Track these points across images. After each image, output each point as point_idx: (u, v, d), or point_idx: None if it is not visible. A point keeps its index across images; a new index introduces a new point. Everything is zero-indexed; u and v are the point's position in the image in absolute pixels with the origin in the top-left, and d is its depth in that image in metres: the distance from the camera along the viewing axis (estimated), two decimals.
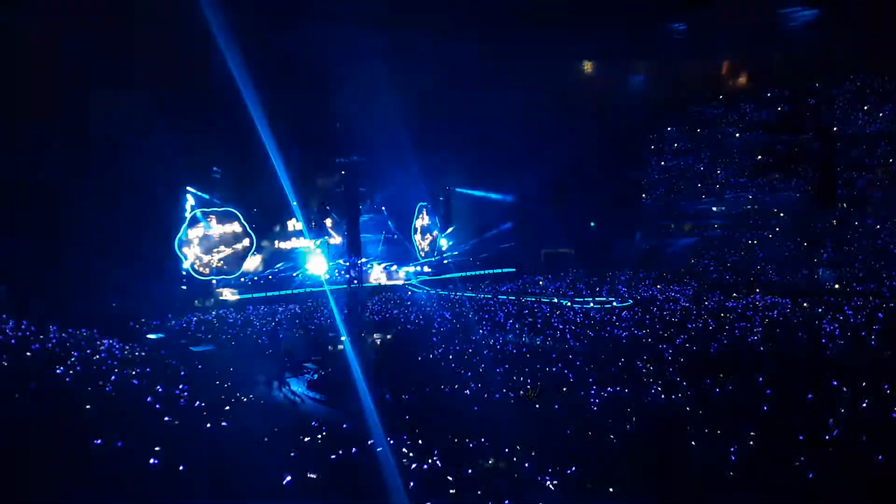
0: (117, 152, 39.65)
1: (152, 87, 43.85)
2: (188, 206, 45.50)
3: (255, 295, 45.58)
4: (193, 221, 45.70)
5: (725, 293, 40.07)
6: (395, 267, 55.30)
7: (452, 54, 58.59)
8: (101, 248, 36.71)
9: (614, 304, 38.75)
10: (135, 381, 20.69)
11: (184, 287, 45.00)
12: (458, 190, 61.15)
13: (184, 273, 45.21)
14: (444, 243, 60.93)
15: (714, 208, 61.65)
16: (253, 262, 49.25)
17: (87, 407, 17.37)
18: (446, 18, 49.84)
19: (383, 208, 57.17)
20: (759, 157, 60.51)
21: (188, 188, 45.53)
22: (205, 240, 46.32)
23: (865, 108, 56.45)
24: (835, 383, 18.53)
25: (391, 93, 63.14)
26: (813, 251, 41.63)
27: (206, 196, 46.48)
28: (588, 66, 67.79)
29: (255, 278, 48.31)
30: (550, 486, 12.57)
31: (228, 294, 45.74)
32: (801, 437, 14.68)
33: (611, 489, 12.47)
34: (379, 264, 54.73)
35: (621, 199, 64.74)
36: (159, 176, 42.50)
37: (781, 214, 52.32)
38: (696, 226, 61.59)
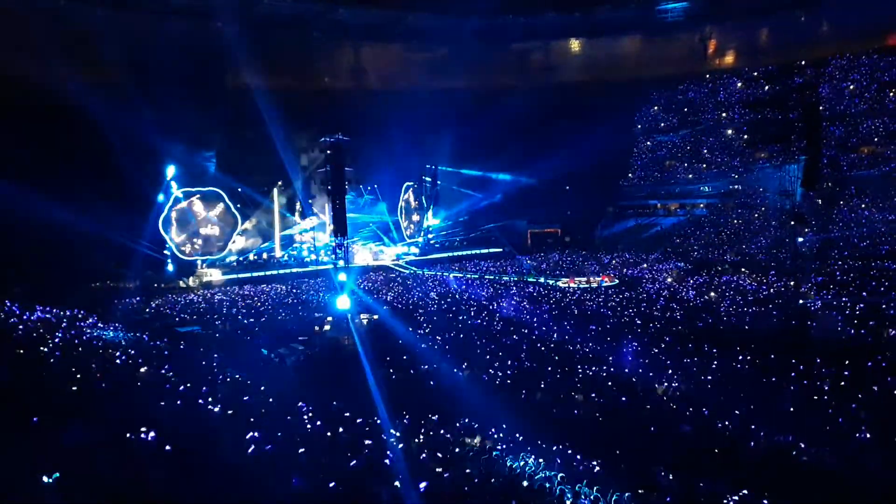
0: (101, 134, 39.14)
1: (136, 66, 43.43)
2: (173, 187, 45.11)
3: (241, 275, 45.39)
4: (177, 202, 45.33)
5: (711, 272, 40.30)
6: (381, 247, 55.19)
7: (442, 30, 58.40)
8: (84, 228, 36.35)
9: (601, 283, 38.89)
10: (118, 362, 20.52)
11: (169, 267, 44.76)
12: (442, 169, 60.79)
13: (168, 254, 44.95)
14: (430, 223, 60.69)
15: (699, 188, 61.82)
16: (239, 242, 48.99)
17: (74, 388, 17.21)
18: None
19: (370, 187, 57.00)
20: (745, 135, 60.70)
21: (172, 168, 45.13)
22: (189, 220, 45.98)
23: (852, 87, 56.67)
24: (818, 360, 18.69)
25: (377, 71, 62.98)
26: (798, 230, 41.78)
27: (191, 176, 46.15)
28: (575, 44, 67.61)
29: (242, 258, 48.06)
30: (533, 460, 12.62)
31: (214, 274, 45.49)
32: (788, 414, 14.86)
33: (594, 462, 12.52)
34: (365, 245, 54.59)
35: (607, 177, 64.85)
36: (143, 156, 42.12)
37: (767, 193, 52.47)
38: (681, 205, 61.75)
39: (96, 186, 37.56)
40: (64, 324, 26.01)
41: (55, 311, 28.01)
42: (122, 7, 43.75)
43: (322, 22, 53.30)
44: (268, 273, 46.23)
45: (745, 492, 10.93)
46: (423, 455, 13.17)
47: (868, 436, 13.40)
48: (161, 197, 44.83)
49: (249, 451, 12.82)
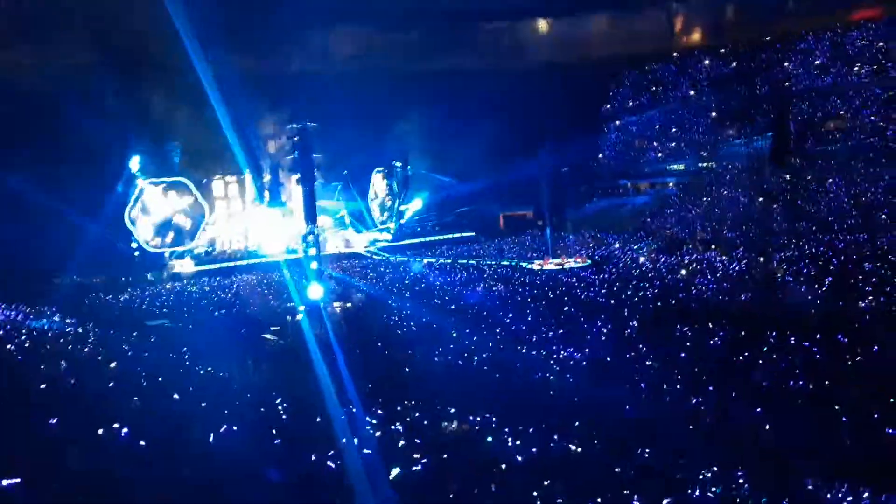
0: (61, 122, 38.24)
1: (97, 51, 42.42)
2: (137, 177, 44.24)
3: (211, 266, 44.79)
4: (143, 192, 44.47)
5: (681, 250, 40.51)
6: (353, 234, 54.76)
7: (405, 14, 57.86)
8: (48, 221, 35.61)
9: (573, 264, 38.99)
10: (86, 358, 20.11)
11: (136, 258, 43.98)
12: (411, 154, 60.34)
13: (135, 245, 44.14)
14: (402, 208, 60.31)
15: (669, 166, 62.08)
16: (208, 233, 48.29)
17: (42, 386, 16.80)
18: None
19: (341, 174, 56.47)
20: (714, 114, 61.05)
21: (137, 158, 44.21)
22: (155, 211, 45.16)
23: (818, 62, 57.18)
24: (790, 336, 18.83)
25: (345, 55, 62.25)
26: (767, 206, 42.16)
27: (156, 166, 45.30)
28: (543, 24, 67.49)
29: (210, 249, 47.33)
30: (510, 442, 12.54)
31: (184, 265, 44.81)
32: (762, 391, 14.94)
33: (572, 447, 12.44)
34: (336, 232, 54.13)
35: (578, 158, 64.90)
36: (106, 145, 41.27)
37: (736, 171, 52.84)
38: (651, 184, 61.99)
39: (57, 178, 36.76)
40: (29, 321, 25.49)
41: (16, 307, 27.46)
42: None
43: (290, 3, 52.43)
44: (236, 263, 45.66)
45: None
46: (401, 442, 13.01)
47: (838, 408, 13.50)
48: (124, 188, 43.94)
49: (217, 438, 12.58)
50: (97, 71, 41.24)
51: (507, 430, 13.25)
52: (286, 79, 56.41)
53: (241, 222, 51.16)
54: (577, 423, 13.56)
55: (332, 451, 12.05)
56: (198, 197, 46.42)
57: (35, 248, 35.09)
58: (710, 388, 15.26)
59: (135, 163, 44.06)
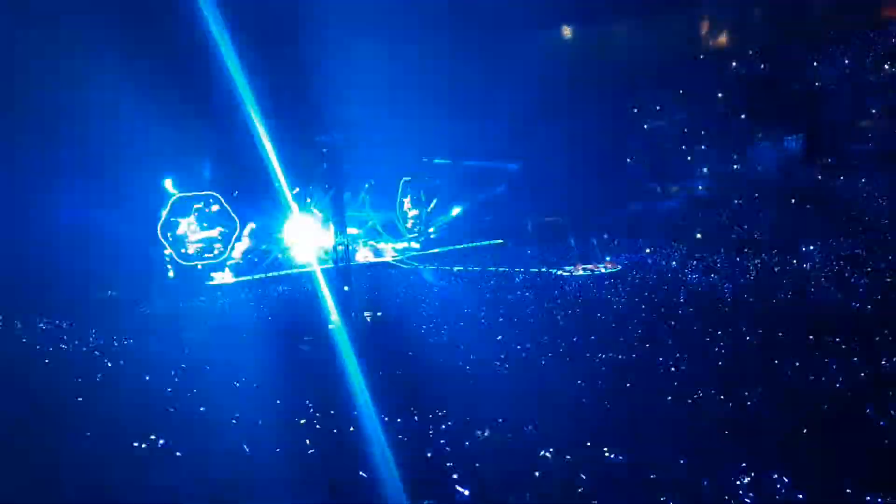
0: (93, 140, 38.97)
1: (127, 71, 43.11)
2: (169, 190, 45.00)
3: (254, 277, 45.59)
4: (174, 206, 45.19)
5: (714, 253, 40.15)
6: (382, 244, 55.02)
7: (432, 23, 57.96)
8: (81, 237, 36.25)
9: (602, 270, 38.82)
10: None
11: (169, 273, 44.66)
12: (438, 161, 60.48)
13: (167, 259, 44.83)
14: (430, 216, 60.50)
15: (699, 169, 61.43)
16: (240, 246, 48.92)
17: (79, 399, 17.13)
18: None
19: (368, 184, 56.87)
20: (744, 116, 60.32)
21: (168, 172, 44.97)
22: (187, 224, 45.87)
23: (848, 62, 56.26)
24: (829, 339, 18.57)
25: (370, 65, 62.63)
26: (800, 209, 41.63)
27: (187, 180, 46.02)
28: (570, 31, 67.39)
29: (241, 261, 47.82)
30: (548, 454, 12.49)
31: (223, 277, 45.51)
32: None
33: (609, 454, 12.39)
34: (365, 243, 54.43)
35: (606, 163, 64.57)
36: (137, 161, 41.98)
37: (767, 173, 52.19)
38: (682, 188, 61.38)
39: (92, 193, 37.44)
40: (65, 336, 25.97)
41: (57, 322, 27.98)
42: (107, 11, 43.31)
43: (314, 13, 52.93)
44: (269, 275, 46.16)
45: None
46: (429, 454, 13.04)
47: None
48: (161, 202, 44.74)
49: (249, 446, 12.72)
50: (131, 85, 41.94)
51: (541, 437, 13.26)
52: (317, 89, 56.93)
53: (276, 234, 51.74)
54: (609, 430, 13.57)
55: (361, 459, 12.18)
56: (229, 210, 47.02)
57: (67, 262, 35.68)
58: (745, 392, 15.10)
59: (166, 178, 44.88)
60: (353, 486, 11.64)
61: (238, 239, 47.86)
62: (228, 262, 46.98)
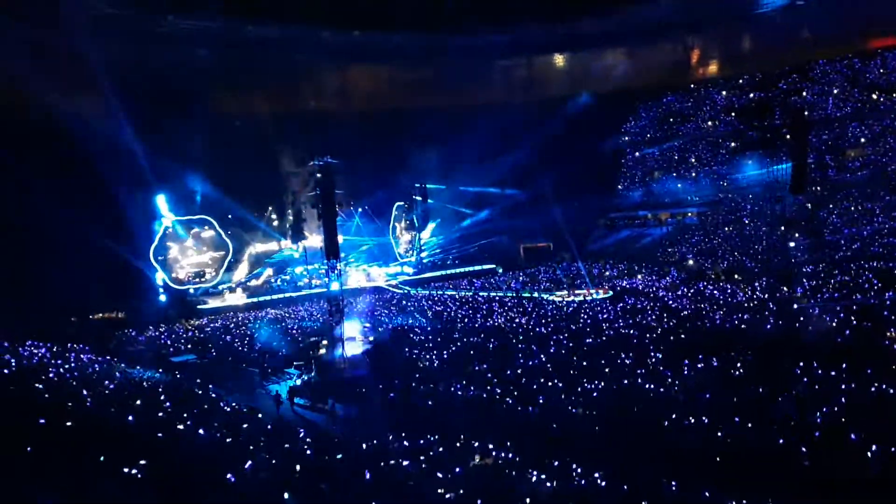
0: (89, 164, 39.06)
1: (122, 93, 43.41)
2: (162, 215, 45.10)
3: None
4: (168, 231, 45.28)
5: (702, 280, 40.36)
6: (375, 268, 55.04)
7: (426, 49, 58.75)
8: (74, 260, 36.21)
9: (594, 295, 38.92)
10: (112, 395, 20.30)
11: (162, 297, 44.60)
12: (430, 187, 60.74)
13: (161, 283, 44.80)
14: (423, 241, 60.65)
15: (688, 197, 61.95)
16: (240, 270, 49.19)
17: (69, 424, 16.99)
18: (410, 15, 50.07)
19: (361, 209, 57.10)
20: (732, 143, 60.99)
21: (162, 197, 45.07)
22: (180, 249, 45.94)
23: (836, 90, 57.10)
24: (815, 366, 18.66)
25: (363, 92, 63.32)
26: (789, 235, 41.91)
27: (180, 205, 46.17)
28: (560, 59, 68.25)
29: (233, 285, 47.76)
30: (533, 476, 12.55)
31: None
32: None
33: (595, 474, 12.45)
34: (358, 267, 54.46)
35: (597, 190, 65.22)
36: (131, 186, 42.12)
37: (756, 200, 52.66)
38: (671, 214, 61.84)
39: (86, 216, 37.44)
40: (56, 359, 25.80)
41: (48, 344, 27.82)
42: (106, 34, 43.67)
43: (306, 45, 53.68)
44: (261, 299, 46.17)
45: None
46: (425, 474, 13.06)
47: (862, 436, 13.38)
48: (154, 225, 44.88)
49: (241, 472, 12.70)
50: (123, 113, 42.18)
51: (529, 462, 13.30)
52: (307, 117, 57.43)
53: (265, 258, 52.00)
54: (598, 454, 13.64)
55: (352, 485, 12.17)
56: (221, 234, 47.12)
57: (61, 286, 35.56)
58: (734, 416, 15.18)
59: (160, 202, 44.97)
60: None
61: (230, 264, 47.93)
62: (219, 287, 46.92)
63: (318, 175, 30.44)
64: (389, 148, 55.62)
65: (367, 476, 12.75)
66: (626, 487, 11.87)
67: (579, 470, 12.83)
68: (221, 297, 45.76)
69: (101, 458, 13.32)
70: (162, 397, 19.84)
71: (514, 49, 63.68)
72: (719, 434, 14.57)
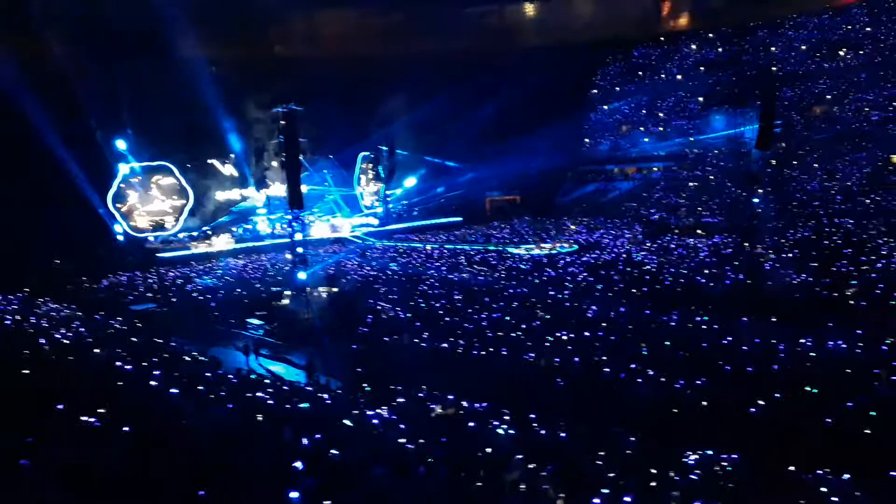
0: (45, 109, 37.83)
1: (80, 37, 41.95)
2: (120, 162, 43.86)
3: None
4: (127, 176, 44.06)
5: (668, 234, 40.70)
6: (339, 219, 54.42)
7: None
8: (30, 207, 35.32)
9: (560, 249, 39.01)
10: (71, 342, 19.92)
11: (120, 243, 43.64)
12: (396, 140, 59.90)
13: (119, 230, 43.78)
14: (388, 193, 60.01)
15: (655, 151, 62.08)
16: (200, 216, 48.05)
17: (26, 371, 16.62)
18: None
19: (326, 158, 56.24)
20: (701, 98, 61.06)
21: (119, 142, 43.70)
22: (139, 195, 44.79)
23: (804, 47, 57.29)
24: (773, 319, 18.96)
25: (331, 39, 61.89)
26: (753, 191, 42.32)
27: (140, 150, 44.92)
28: (529, 8, 67.38)
29: (194, 233, 46.77)
30: (500, 430, 12.56)
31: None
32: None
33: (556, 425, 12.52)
34: (322, 217, 53.78)
35: (565, 143, 64.88)
36: (90, 131, 40.96)
37: (722, 155, 53.02)
38: (638, 169, 62.02)
39: (41, 164, 36.44)
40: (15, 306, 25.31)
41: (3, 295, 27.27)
42: None
43: None
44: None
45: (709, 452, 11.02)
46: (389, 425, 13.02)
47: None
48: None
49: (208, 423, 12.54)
50: (80, 56, 40.78)
51: (495, 414, 13.33)
52: (273, 62, 56.10)
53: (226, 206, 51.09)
54: (560, 406, 13.74)
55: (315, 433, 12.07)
56: (181, 181, 45.94)
57: (15, 234, 34.65)
58: (697, 372, 15.35)
59: (119, 146, 43.63)
60: None
61: (191, 211, 46.77)
62: (178, 235, 45.91)
63: (283, 122, 29.86)
64: (356, 97, 54.52)
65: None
66: (585, 438, 11.93)
67: (540, 421, 12.89)
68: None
69: (59, 407, 13.05)
70: (120, 347, 19.50)
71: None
72: (677, 386, 14.72)
